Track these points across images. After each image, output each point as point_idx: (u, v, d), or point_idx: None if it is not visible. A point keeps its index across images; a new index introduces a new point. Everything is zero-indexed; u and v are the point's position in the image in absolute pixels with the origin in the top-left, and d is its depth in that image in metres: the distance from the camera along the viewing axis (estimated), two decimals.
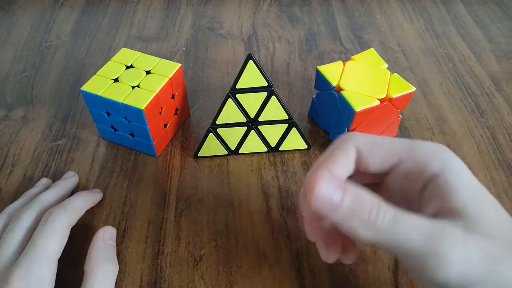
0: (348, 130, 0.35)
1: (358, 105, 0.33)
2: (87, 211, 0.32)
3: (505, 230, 0.19)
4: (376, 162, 0.22)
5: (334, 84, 0.35)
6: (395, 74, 0.36)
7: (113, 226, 0.32)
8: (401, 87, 0.34)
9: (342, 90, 0.34)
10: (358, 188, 0.20)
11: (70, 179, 0.34)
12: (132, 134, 0.36)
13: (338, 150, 0.22)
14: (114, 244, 0.30)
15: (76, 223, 0.29)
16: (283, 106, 0.35)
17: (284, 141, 0.37)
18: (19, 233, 0.27)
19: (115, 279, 0.28)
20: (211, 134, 0.36)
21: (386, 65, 0.37)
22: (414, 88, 0.34)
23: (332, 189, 0.20)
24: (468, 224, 0.19)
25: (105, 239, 0.29)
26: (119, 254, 0.30)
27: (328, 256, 0.24)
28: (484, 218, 0.19)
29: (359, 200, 0.20)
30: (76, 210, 0.29)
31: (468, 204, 0.19)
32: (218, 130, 0.36)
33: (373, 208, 0.19)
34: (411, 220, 0.19)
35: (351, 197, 0.20)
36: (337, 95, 0.35)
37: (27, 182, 0.35)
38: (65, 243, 0.27)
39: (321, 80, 0.36)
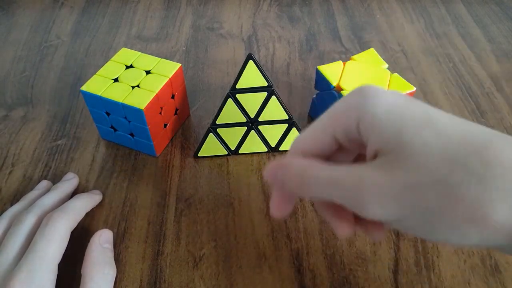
0: None
1: None
2: (87, 212, 0.32)
3: (435, 152, 0.18)
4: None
5: (334, 84, 0.35)
6: (395, 74, 0.36)
7: (113, 226, 0.32)
8: (401, 87, 0.34)
9: (343, 90, 0.34)
10: (292, 159, 0.22)
11: (70, 181, 0.34)
12: (132, 134, 0.36)
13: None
14: (111, 247, 0.30)
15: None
16: (283, 106, 0.35)
17: (284, 141, 0.37)
18: (20, 238, 0.27)
19: (113, 282, 0.28)
20: (211, 134, 0.36)
21: (386, 65, 0.37)
22: (414, 88, 0.34)
23: (276, 167, 0.22)
24: (388, 161, 0.18)
25: (101, 243, 0.29)
26: (119, 254, 0.30)
27: (342, 229, 0.22)
28: (407, 149, 0.18)
29: (288, 172, 0.21)
30: (76, 213, 0.29)
31: (386, 141, 0.19)
32: (218, 130, 0.36)
33: (300, 176, 0.21)
34: (338, 176, 0.20)
35: (282, 171, 0.22)
36: (337, 95, 0.35)
37: (27, 182, 0.35)
38: (65, 246, 0.27)
39: (321, 80, 0.36)
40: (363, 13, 0.55)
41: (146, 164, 0.36)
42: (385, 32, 0.52)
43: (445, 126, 0.18)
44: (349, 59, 0.38)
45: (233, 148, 0.37)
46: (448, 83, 0.45)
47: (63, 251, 0.27)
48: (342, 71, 0.36)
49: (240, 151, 0.37)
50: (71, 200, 0.31)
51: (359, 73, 0.36)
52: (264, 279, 0.29)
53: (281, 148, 0.37)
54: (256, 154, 0.37)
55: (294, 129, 0.36)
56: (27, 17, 0.54)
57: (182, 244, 0.31)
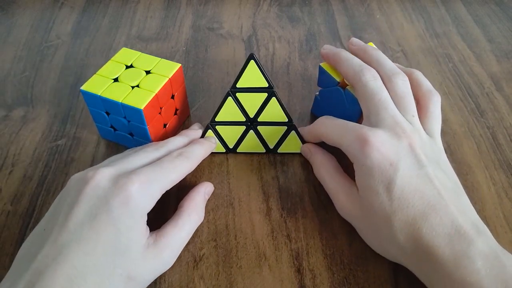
0: None
1: None
2: None
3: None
4: None
5: (339, 80, 0.35)
6: None
7: None
8: None
9: (348, 85, 0.34)
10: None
11: (197, 131, 0.36)
12: (131, 134, 0.36)
13: None
14: (207, 198, 0.33)
15: None
16: (283, 108, 0.35)
17: (283, 143, 0.37)
18: (151, 156, 0.30)
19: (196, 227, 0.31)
20: (209, 131, 0.36)
21: None
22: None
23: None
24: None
25: (206, 192, 0.33)
26: None
27: None
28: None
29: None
30: (196, 159, 0.32)
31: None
32: (217, 127, 0.36)
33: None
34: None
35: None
36: (342, 91, 0.35)
37: (27, 182, 0.35)
38: (177, 182, 0.30)
39: (325, 77, 0.36)
40: (363, 13, 0.55)
41: None
42: (385, 32, 0.52)
43: None
44: None
45: (231, 147, 0.37)
46: (448, 83, 0.45)
47: (173, 185, 0.29)
48: None
49: (238, 150, 0.37)
50: (196, 145, 0.33)
51: None
52: (264, 279, 0.29)
53: (279, 150, 0.37)
54: (256, 154, 0.37)
55: (293, 132, 0.36)
56: (27, 17, 0.54)
57: None
